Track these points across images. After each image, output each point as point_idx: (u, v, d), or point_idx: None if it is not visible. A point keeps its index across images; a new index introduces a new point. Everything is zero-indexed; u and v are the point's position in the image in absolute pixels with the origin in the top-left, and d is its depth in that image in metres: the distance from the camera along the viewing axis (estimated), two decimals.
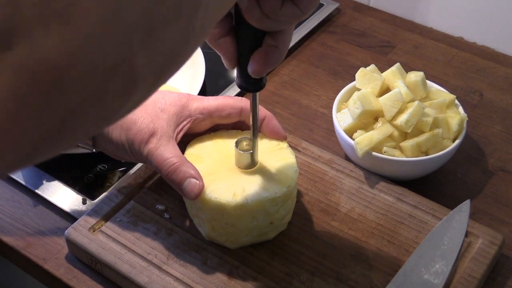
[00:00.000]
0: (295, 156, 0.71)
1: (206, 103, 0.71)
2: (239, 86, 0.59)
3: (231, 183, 0.67)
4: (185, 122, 0.70)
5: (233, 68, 0.57)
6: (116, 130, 0.68)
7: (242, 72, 0.57)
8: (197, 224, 0.70)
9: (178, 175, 0.66)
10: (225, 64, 0.57)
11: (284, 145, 0.72)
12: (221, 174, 0.68)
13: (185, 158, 0.67)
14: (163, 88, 0.90)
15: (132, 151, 0.68)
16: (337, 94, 0.83)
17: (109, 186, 0.80)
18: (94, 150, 0.71)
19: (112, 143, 0.69)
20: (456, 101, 0.82)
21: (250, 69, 0.54)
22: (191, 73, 0.96)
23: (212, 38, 0.54)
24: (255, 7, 0.49)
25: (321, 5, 1.10)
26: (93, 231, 0.71)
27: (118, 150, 0.70)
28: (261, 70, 0.54)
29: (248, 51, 0.54)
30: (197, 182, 0.65)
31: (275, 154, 0.70)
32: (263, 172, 0.68)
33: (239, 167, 0.69)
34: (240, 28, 0.53)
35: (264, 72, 0.55)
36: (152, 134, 0.67)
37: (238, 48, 0.55)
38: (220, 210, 0.65)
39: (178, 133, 0.70)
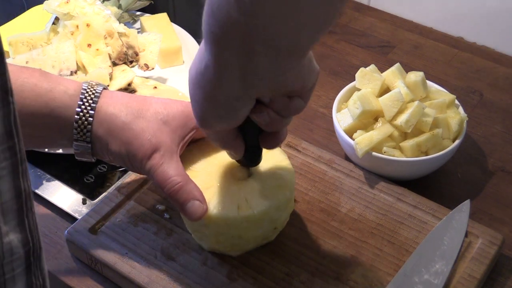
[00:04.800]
0: (291, 156, 0.71)
1: None
2: (240, 162, 0.66)
3: (232, 195, 0.66)
4: (190, 134, 0.68)
5: (239, 158, 0.64)
6: (115, 143, 0.66)
7: (246, 156, 0.63)
8: (197, 238, 0.69)
9: (182, 196, 0.64)
10: (232, 156, 0.64)
11: None
12: (219, 187, 0.66)
13: (189, 177, 0.65)
14: (163, 89, 0.90)
15: (133, 165, 0.66)
16: (337, 94, 0.83)
17: (109, 186, 0.80)
18: (93, 160, 0.69)
19: (111, 155, 0.67)
20: (456, 101, 0.82)
21: (267, 146, 0.62)
22: None
23: (225, 143, 0.61)
24: (265, 113, 0.56)
25: None
26: (93, 231, 0.71)
27: (117, 161, 0.68)
28: (276, 145, 0.62)
29: (254, 139, 0.62)
30: (201, 204, 0.64)
31: (267, 157, 0.68)
32: (261, 178, 0.67)
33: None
34: (247, 129, 0.59)
35: (280, 144, 0.63)
36: (155, 150, 0.65)
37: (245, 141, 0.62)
38: (226, 225, 0.64)
39: (182, 147, 0.68)
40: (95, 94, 0.66)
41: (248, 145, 0.62)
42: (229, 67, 0.49)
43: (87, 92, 0.66)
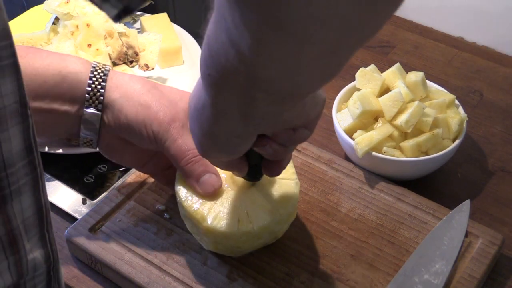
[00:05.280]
0: (294, 157, 0.70)
1: None
2: (243, 177, 0.65)
3: (233, 207, 0.65)
4: None
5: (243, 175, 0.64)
6: (132, 106, 0.65)
7: (249, 172, 0.62)
8: (198, 239, 0.69)
9: (200, 167, 0.64)
10: (235, 174, 0.64)
11: None
12: (222, 193, 0.66)
13: None
14: None
15: (149, 130, 0.65)
16: (337, 94, 0.83)
17: (109, 186, 0.80)
18: (96, 148, 0.69)
19: (125, 120, 0.65)
20: (456, 101, 0.82)
21: (270, 174, 0.62)
22: (191, 74, 0.96)
23: (228, 167, 0.61)
24: (268, 146, 0.55)
25: None
26: (93, 231, 0.71)
27: (129, 130, 0.66)
28: (279, 173, 0.62)
29: (258, 159, 0.61)
30: (217, 177, 0.65)
31: None
32: (264, 189, 0.66)
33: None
34: (251, 153, 0.58)
35: (278, 173, 0.62)
36: (172, 119, 0.65)
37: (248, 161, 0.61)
38: (225, 237, 0.64)
39: None
40: (106, 67, 0.67)
41: (252, 164, 0.61)
42: (227, 109, 0.48)
43: (98, 63, 0.67)
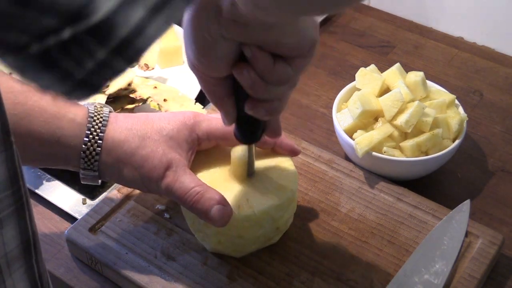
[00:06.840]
0: (291, 157, 0.71)
1: (214, 126, 0.68)
2: (235, 136, 0.63)
3: (234, 195, 0.65)
4: (194, 146, 0.68)
5: (231, 125, 0.61)
6: (127, 169, 0.65)
7: (239, 126, 0.61)
8: (200, 238, 0.69)
9: (204, 204, 0.62)
10: (223, 121, 0.61)
11: None
12: (222, 186, 0.66)
13: (207, 184, 0.64)
14: (163, 89, 0.90)
15: (149, 188, 0.66)
16: (337, 94, 0.83)
17: (109, 186, 0.80)
18: (99, 183, 0.69)
19: (124, 180, 0.66)
20: (456, 101, 0.82)
21: (247, 109, 0.56)
22: (192, 74, 0.95)
23: (215, 97, 0.58)
24: (245, 72, 0.52)
25: None
26: (93, 231, 0.71)
27: (132, 185, 0.68)
28: (257, 111, 0.56)
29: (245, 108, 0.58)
30: (224, 207, 0.62)
31: (271, 158, 0.69)
32: (263, 179, 0.67)
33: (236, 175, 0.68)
34: (239, 91, 0.56)
35: (257, 111, 0.57)
36: (167, 168, 0.64)
37: (237, 106, 0.58)
38: (227, 225, 0.64)
39: (190, 159, 0.67)
40: (102, 122, 0.65)
41: (241, 114, 0.59)
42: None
43: (94, 121, 0.65)
